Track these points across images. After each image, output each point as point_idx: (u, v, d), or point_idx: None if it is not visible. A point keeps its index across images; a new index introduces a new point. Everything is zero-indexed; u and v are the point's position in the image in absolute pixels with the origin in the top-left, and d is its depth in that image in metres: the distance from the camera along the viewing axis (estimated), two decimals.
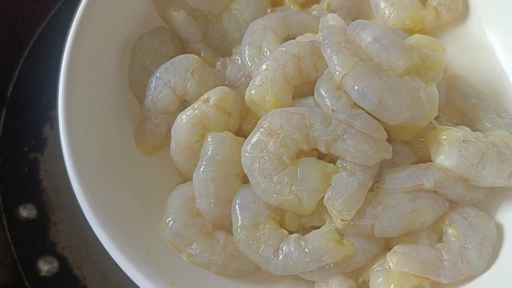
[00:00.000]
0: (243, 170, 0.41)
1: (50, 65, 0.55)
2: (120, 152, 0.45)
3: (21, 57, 0.60)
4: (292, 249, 0.39)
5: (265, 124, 0.41)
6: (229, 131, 0.43)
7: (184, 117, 0.42)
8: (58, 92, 0.42)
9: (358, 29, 0.42)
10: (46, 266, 0.53)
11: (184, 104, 0.46)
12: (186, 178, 0.45)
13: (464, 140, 0.40)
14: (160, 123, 0.46)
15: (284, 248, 0.40)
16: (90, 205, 0.38)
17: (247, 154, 0.40)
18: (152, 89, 0.46)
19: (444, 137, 0.41)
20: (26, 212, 0.55)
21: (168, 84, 0.45)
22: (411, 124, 0.41)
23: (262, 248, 0.40)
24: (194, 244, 0.41)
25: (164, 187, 0.45)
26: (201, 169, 0.41)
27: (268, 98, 0.42)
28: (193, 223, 0.41)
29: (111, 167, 0.42)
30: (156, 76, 0.46)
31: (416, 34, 0.44)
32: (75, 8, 0.45)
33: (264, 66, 0.43)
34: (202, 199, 0.41)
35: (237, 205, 0.41)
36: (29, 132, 0.58)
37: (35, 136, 0.58)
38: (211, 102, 0.42)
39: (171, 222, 0.41)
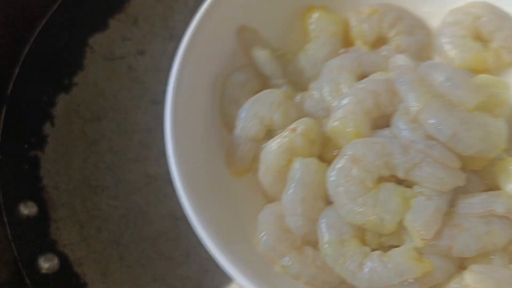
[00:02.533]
0: (326, 193, 0.46)
1: (51, 62, 0.56)
2: (214, 174, 0.50)
3: (21, 54, 0.59)
4: (376, 264, 0.43)
5: (348, 152, 0.45)
6: (312, 157, 0.48)
7: (274, 144, 0.48)
8: (165, 120, 0.47)
9: (430, 69, 0.47)
10: (46, 264, 0.53)
11: (268, 133, 0.52)
12: (271, 199, 0.50)
13: None
14: (249, 149, 0.51)
15: (368, 263, 0.44)
16: (200, 220, 0.43)
17: (333, 179, 0.45)
18: (242, 119, 0.51)
19: None
20: (26, 209, 0.54)
21: (256, 115, 0.51)
22: (481, 155, 0.45)
23: (348, 262, 0.44)
24: (287, 257, 0.45)
25: (252, 206, 0.50)
26: (290, 191, 0.46)
27: (349, 129, 0.47)
28: (284, 238, 0.46)
29: (210, 188, 0.48)
30: (246, 108, 0.51)
31: (482, 74, 0.49)
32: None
33: (345, 101, 0.48)
34: (292, 217, 0.46)
35: (323, 224, 0.45)
36: (29, 129, 0.58)
37: (35, 134, 0.57)
38: (298, 131, 0.48)
39: (265, 237, 0.46)
